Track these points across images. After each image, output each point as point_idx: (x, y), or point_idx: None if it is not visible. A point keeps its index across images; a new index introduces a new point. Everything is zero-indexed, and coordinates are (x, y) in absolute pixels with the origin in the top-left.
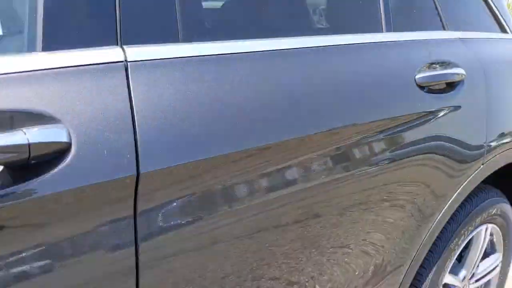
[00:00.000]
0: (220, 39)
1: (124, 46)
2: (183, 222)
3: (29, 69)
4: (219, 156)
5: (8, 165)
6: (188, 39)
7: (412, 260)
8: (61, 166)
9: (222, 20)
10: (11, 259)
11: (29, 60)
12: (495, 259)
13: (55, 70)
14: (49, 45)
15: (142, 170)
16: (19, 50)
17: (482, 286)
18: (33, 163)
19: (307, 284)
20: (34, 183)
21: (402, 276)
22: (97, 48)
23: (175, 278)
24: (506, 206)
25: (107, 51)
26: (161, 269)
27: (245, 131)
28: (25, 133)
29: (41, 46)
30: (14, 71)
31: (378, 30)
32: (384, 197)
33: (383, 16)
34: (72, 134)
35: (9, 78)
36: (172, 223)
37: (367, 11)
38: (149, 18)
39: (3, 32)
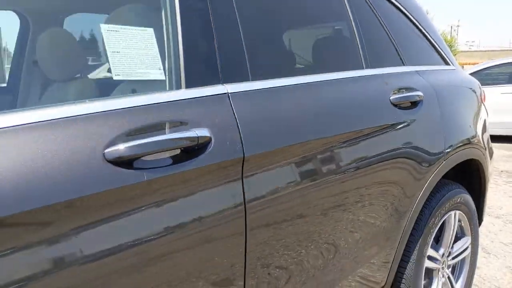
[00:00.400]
0: (270, 78)
1: (225, 84)
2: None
3: (185, 98)
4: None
5: (184, 149)
6: (254, 78)
7: (401, 235)
8: (208, 150)
9: (267, 66)
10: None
11: (183, 94)
12: (465, 241)
13: (196, 99)
14: (189, 84)
15: (246, 154)
16: (170, 89)
17: (458, 263)
18: (197, 148)
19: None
20: (197, 160)
21: (396, 247)
22: (210, 86)
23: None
24: (467, 196)
25: (216, 87)
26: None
27: (296, 130)
28: (195, 131)
29: (184, 85)
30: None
31: (361, 67)
32: (378, 188)
33: (362, 58)
34: (211, 132)
35: (177, 104)
36: (265, 189)
37: (352, 55)
38: (234, 66)
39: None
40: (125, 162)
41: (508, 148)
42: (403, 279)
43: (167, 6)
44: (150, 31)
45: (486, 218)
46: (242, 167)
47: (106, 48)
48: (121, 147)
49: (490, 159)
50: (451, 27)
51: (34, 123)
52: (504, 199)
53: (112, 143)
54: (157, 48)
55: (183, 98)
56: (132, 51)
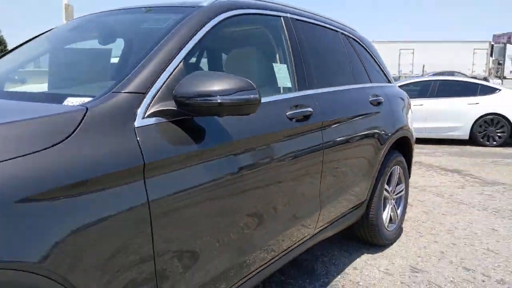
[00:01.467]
0: (322, 87)
1: (309, 89)
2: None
3: (299, 96)
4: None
5: (303, 118)
6: (297, 90)
7: (373, 176)
8: (310, 118)
9: (321, 79)
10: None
11: (297, 93)
12: (402, 186)
13: (302, 96)
14: (298, 88)
15: (323, 121)
16: (294, 91)
17: (398, 199)
18: (307, 116)
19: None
20: (307, 122)
21: (371, 182)
22: (304, 90)
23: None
24: (402, 158)
25: (307, 91)
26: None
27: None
28: (307, 109)
29: (297, 89)
30: (297, 96)
31: (350, 83)
32: (362, 152)
33: (352, 77)
34: (312, 110)
35: (297, 97)
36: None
37: (351, 76)
38: (311, 80)
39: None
40: (296, 119)
41: (416, 147)
42: (374, 197)
43: (285, 49)
44: (284, 66)
45: (409, 189)
46: (321, 127)
47: (276, 73)
48: (291, 112)
49: (414, 138)
50: None
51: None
52: (418, 178)
53: (288, 110)
54: (287, 74)
55: (298, 95)
56: (282, 75)
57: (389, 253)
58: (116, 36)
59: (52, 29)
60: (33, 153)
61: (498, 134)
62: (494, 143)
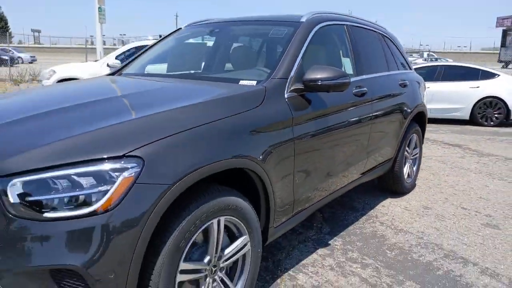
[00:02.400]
0: (365, 74)
1: (356, 77)
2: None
3: (356, 80)
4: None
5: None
6: (356, 75)
7: (399, 140)
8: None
9: (364, 68)
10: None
11: (355, 78)
12: (417, 150)
13: (359, 80)
14: (354, 75)
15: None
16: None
17: (415, 159)
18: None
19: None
20: (364, 97)
21: (398, 143)
22: (356, 76)
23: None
24: (419, 128)
25: (356, 77)
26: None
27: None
28: (363, 89)
29: (356, 74)
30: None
31: (385, 70)
32: (387, 127)
33: (387, 66)
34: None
35: (355, 81)
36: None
37: (386, 65)
38: (356, 69)
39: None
40: (357, 95)
41: None
42: (399, 156)
43: (347, 47)
44: (347, 59)
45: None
46: (371, 101)
47: (344, 64)
48: (355, 90)
49: (427, 113)
50: None
51: None
52: (425, 150)
53: (354, 88)
54: (350, 64)
55: (358, 79)
56: (347, 65)
57: (407, 198)
58: (256, 39)
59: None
60: (242, 112)
61: (496, 115)
62: (492, 123)
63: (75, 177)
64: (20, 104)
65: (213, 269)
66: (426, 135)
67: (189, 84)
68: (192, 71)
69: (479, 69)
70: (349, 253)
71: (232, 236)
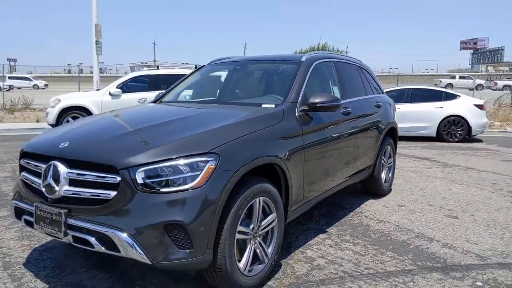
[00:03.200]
0: (348, 98)
1: (342, 100)
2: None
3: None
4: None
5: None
6: (343, 99)
7: (376, 151)
8: None
9: (348, 93)
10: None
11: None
12: (391, 159)
13: (347, 102)
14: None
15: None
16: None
17: (390, 167)
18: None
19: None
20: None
21: (375, 153)
22: (342, 100)
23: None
24: (392, 140)
25: (343, 101)
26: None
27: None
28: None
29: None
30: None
31: (363, 94)
32: (367, 139)
33: (365, 91)
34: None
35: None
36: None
37: (363, 90)
38: (340, 94)
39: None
40: (344, 114)
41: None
42: (377, 163)
43: (335, 78)
44: (336, 87)
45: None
46: (354, 118)
47: (333, 90)
48: (343, 110)
49: (398, 129)
50: (339, 51)
51: None
52: (398, 163)
53: (342, 109)
54: (337, 90)
55: (344, 102)
56: (336, 91)
57: (385, 199)
58: (269, 73)
59: (212, 64)
60: (269, 126)
61: (459, 132)
62: (456, 139)
63: (178, 166)
64: (125, 119)
65: (255, 234)
66: (399, 151)
67: (226, 108)
68: (222, 99)
69: (442, 91)
70: (342, 236)
71: (265, 213)
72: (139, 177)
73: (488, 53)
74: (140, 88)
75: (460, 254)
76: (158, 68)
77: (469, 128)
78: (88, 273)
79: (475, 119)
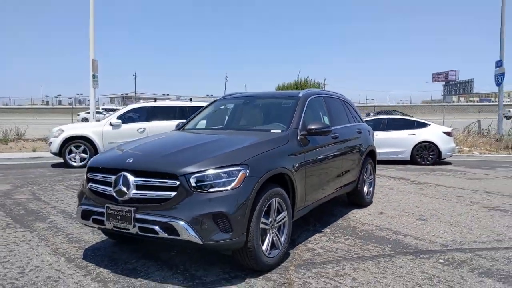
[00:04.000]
0: (335, 126)
1: (331, 127)
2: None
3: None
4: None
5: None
6: (333, 125)
7: (359, 168)
8: None
9: (336, 122)
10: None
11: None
12: (372, 176)
13: (335, 129)
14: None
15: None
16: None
17: (371, 182)
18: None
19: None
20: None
21: (359, 170)
22: (330, 128)
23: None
24: (371, 160)
25: (331, 128)
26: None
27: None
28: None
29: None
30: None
31: (347, 123)
32: (351, 158)
33: (348, 120)
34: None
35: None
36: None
37: (346, 119)
38: (330, 122)
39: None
40: (333, 138)
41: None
42: (360, 178)
43: (324, 109)
44: (326, 117)
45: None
46: (340, 141)
47: (323, 120)
48: (332, 135)
49: (376, 151)
50: (319, 84)
51: None
52: (377, 181)
53: (332, 134)
54: (327, 120)
55: (332, 129)
56: (326, 120)
57: (367, 208)
58: (273, 106)
59: (226, 98)
60: (279, 146)
61: (430, 156)
62: (428, 162)
63: (220, 173)
64: (169, 142)
65: (272, 226)
66: (378, 172)
67: (242, 134)
68: (236, 126)
69: (414, 120)
70: (335, 234)
71: (279, 212)
72: (193, 181)
73: (458, 85)
74: (138, 119)
75: (428, 244)
76: (155, 101)
77: (439, 152)
78: (138, 263)
79: (444, 144)
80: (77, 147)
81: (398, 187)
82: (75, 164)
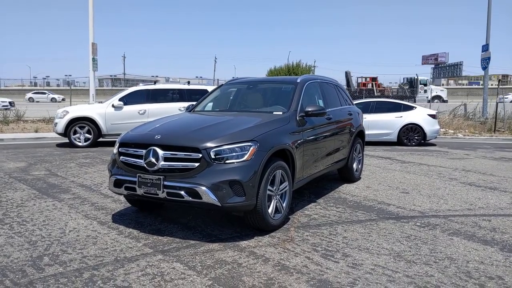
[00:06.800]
0: (330, 108)
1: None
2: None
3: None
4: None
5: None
6: (327, 107)
7: (350, 146)
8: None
9: (329, 104)
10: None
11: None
12: (360, 154)
13: (330, 111)
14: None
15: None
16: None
17: (360, 160)
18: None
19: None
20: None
21: (349, 148)
22: (325, 110)
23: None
24: (360, 140)
25: (326, 110)
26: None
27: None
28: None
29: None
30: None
31: (339, 105)
32: (342, 138)
33: (340, 103)
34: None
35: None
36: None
37: (338, 102)
38: (324, 104)
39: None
40: (327, 119)
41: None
42: (350, 156)
43: (319, 93)
44: (321, 100)
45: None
46: (334, 122)
47: (318, 102)
48: (326, 116)
49: (365, 131)
50: (310, 67)
51: None
52: (366, 161)
53: (326, 115)
54: (321, 102)
55: (326, 111)
56: (320, 103)
57: (356, 183)
58: (275, 90)
59: (231, 82)
60: (282, 125)
61: (416, 137)
62: (413, 143)
63: (235, 148)
64: (187, 121)
65: (276, 193)
66: (366, 152)
67: (249, 115)
68: (242, 108)
69: (401, 103)
70: (328, 204)
71: (281, 181)
72: (212, 154)
73: (448, 68)
74: (139, 101)
75: (408, 211)
76: (155, 83)
77: (424, 134)
78: (162, 225)
79: (429, 126)
80: (81, 127)
81: (384, 166)
82: (79, 144)
